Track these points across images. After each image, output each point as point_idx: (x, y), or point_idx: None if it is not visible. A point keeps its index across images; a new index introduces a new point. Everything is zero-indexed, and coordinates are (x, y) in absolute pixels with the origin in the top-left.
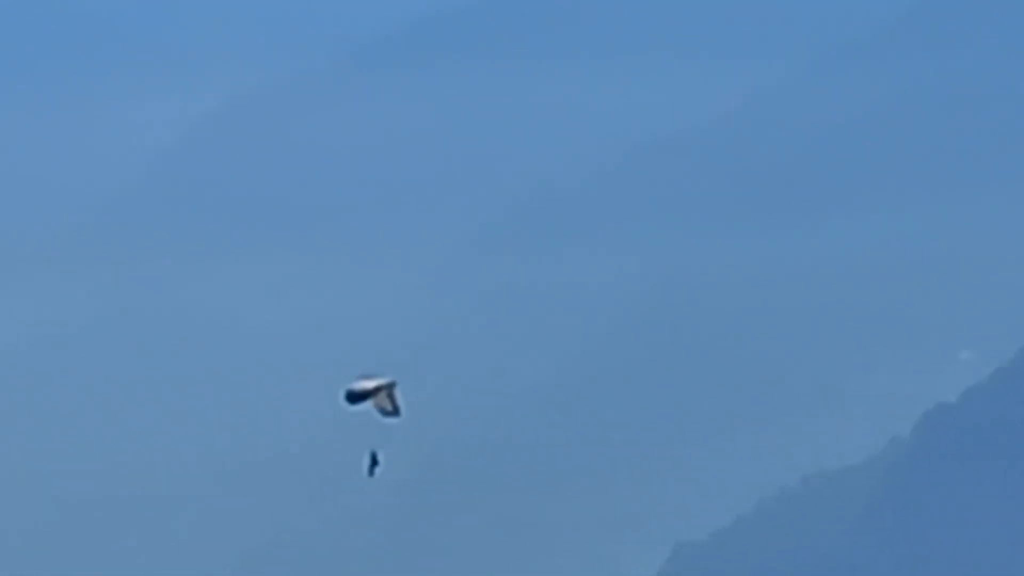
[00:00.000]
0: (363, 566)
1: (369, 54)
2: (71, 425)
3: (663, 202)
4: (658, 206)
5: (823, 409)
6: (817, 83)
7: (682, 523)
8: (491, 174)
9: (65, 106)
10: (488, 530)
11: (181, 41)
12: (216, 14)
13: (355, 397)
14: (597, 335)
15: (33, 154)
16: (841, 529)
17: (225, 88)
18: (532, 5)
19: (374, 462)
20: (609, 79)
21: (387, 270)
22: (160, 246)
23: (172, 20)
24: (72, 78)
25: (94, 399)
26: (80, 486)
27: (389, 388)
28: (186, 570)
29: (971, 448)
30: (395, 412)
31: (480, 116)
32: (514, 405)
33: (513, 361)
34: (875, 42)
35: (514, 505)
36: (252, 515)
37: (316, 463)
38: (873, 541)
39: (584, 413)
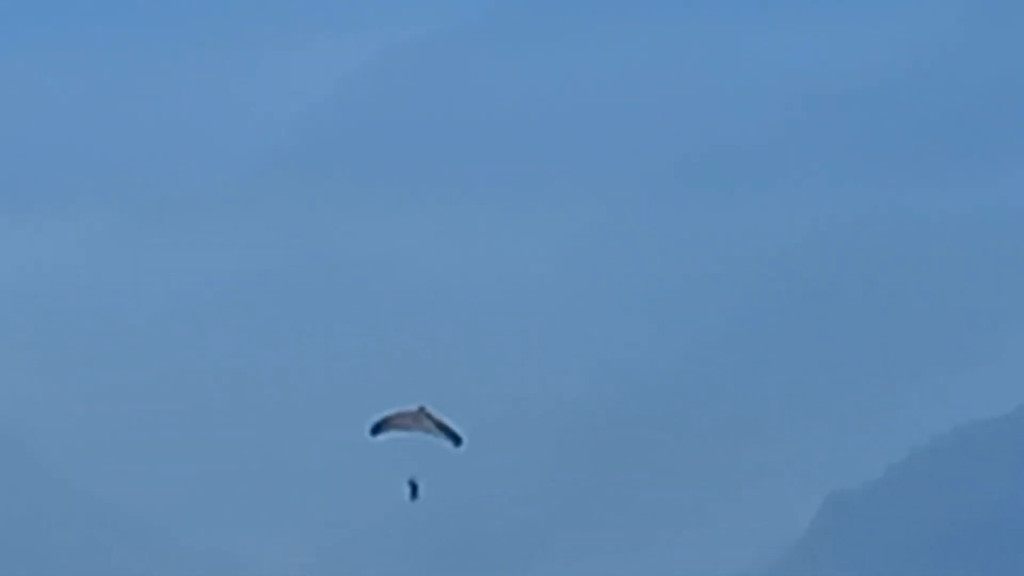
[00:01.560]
0: (534, 514)
1: (535, 3)
2: (230, 372)
3: (840, 154)
4: (835, 158)
5: (977, 360)
6: (989, 32)
7: (836, 472)
8: (671, 125)
9: (220, 54)
10: (645, 479)
11: None
12: None
13: (377, 428)
14: (770, 285)
15: (188, 103)
16: (993, 478)
17: (380, 41)
18: None
19: (414, 490)
20: (791, 30)
21: (555, 225)
22: (317, 197)
23: None
24: (227, 23)
25: (254, 346)
26: (234, 432)
27: (418, 415)
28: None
29: None
30: (452, 436)
31: (658, 68)
32: (680, 354)
33: (680, 311)
34: None
35: (672, 454)
36: (414, 462)
37: (483, 410)
38: (1023, 490)
39: (746, 363)
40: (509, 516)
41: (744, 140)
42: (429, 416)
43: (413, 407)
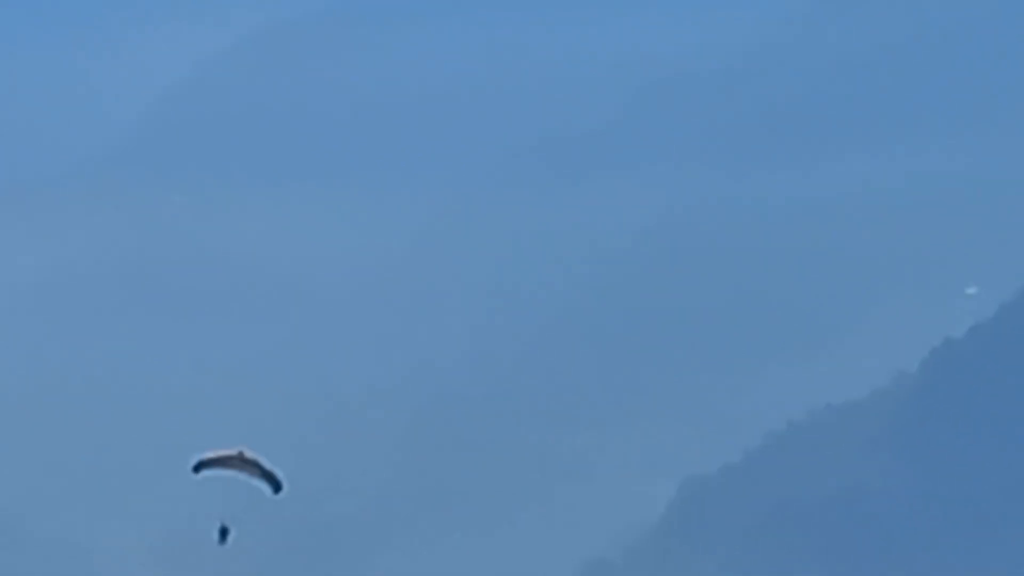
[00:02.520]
0: (382, 502)
1: None
2: (81, 361)
3: (675, 140)
4: (670, 144)
5: (831, 343)
6: (831, 17)
7: (691, 457)
8: (508, 115)
9: (73, 33)
10: (500, 464)
11: None
12: None
13: (199, 467)
14: (612, 271)
15: (37, 85)
16: (847, 462)
17: (236, 25)
18: None
19: (224, 534)
20: (632, 15)
21: (406, 209)
22: (170, 183)
23: None
24: (81, 2)
25: (103, 335)
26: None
27: (239, 458)
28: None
29: (977, 383)
30: (273, 481)
31: (495, 58)
32: (529, 339)
33: (529, 296)
34: None
35: (525, 440)
36: (263, 448)
37: (328, 398)
38: (878, 474)
39: (595, 348)
40: (352, 506)
41: (585, 126)
42: (249, 460)
43: (233, 450)
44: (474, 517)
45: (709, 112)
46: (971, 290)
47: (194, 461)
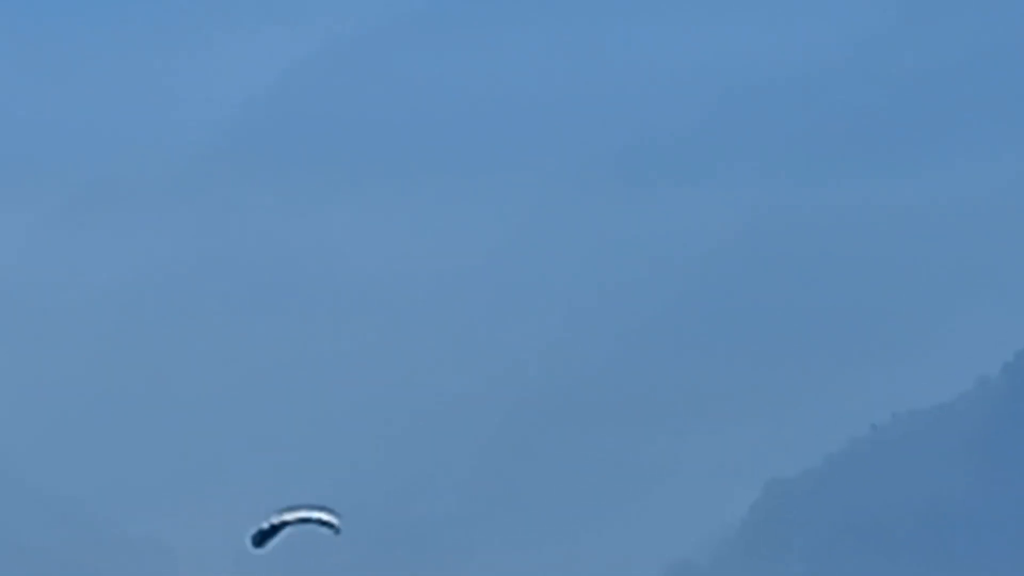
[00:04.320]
0: (468, 505)
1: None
2: (167, 361)
3: (759, 147)
4: (754, 151)
5: (915, 349)
6: (919, 22)
7: (775, 460)
8: (591, 122)
9: (165, 38)
10: (585, 467)
11: None
12: None
13: (264, 537)
14: (695, 277)
15: (130, 87)
16: (931, 467)
17: (325, 31)
18: None
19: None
20: (710, 24)
21: (487, 216)
22: (258, 185)
23: None
24: (173, 7)
25: (189, 335)
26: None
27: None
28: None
29: None
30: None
31: (578, 65)
32: (613, 344)
33: (612, 302)
34: None
35: (609, 443)
36: (348, 451)
37: (413, 401)
38: (962, 479)
39: (679, 353)
40: (438, 509)
41: (668, 133)
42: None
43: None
44: (559, 520)
45: (793, 119)
46: None
47: (254, 539)
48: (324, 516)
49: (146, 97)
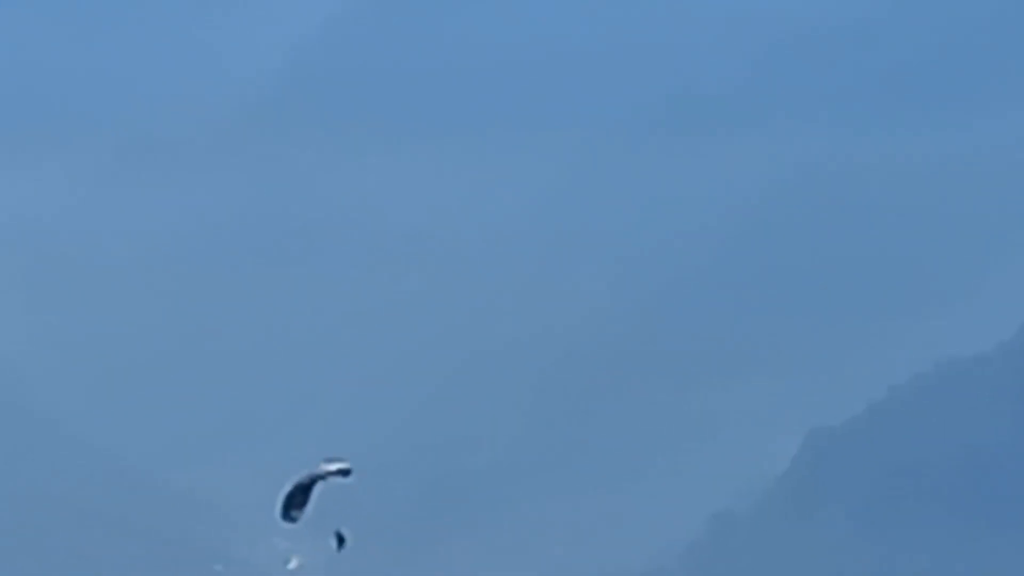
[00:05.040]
0: (513, 456)
1: None
2: (210, 317)
3: (806, 97)
4: (800, 101)
5: (957, 299)
6: None
7: (816, 411)
8: (649, 69)
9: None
10: (627, 420)
11: None
12: None
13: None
14: (739, 228)
15: (172, 41)
16: (972, 416)
17: None
18: None
19: (341, 541)
20: None
21: (531, 167)
22: (302, 138)
23: None
24: None
25: (232, 290)
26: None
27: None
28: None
29: None
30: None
31: (623, 14)
32: (656, 296)
33: (656, 253)
34: None
35: (652, 395)
36: (392, 404)
37: (459, 354)
38: (1003, 427)
39: (722, 304)
40: (483, 460)
41: (715, 83)
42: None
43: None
44: (602, 472)
45: (840, 68)
46: None
47: (283, 515)
48: (333, 467)
49: (189, 50)
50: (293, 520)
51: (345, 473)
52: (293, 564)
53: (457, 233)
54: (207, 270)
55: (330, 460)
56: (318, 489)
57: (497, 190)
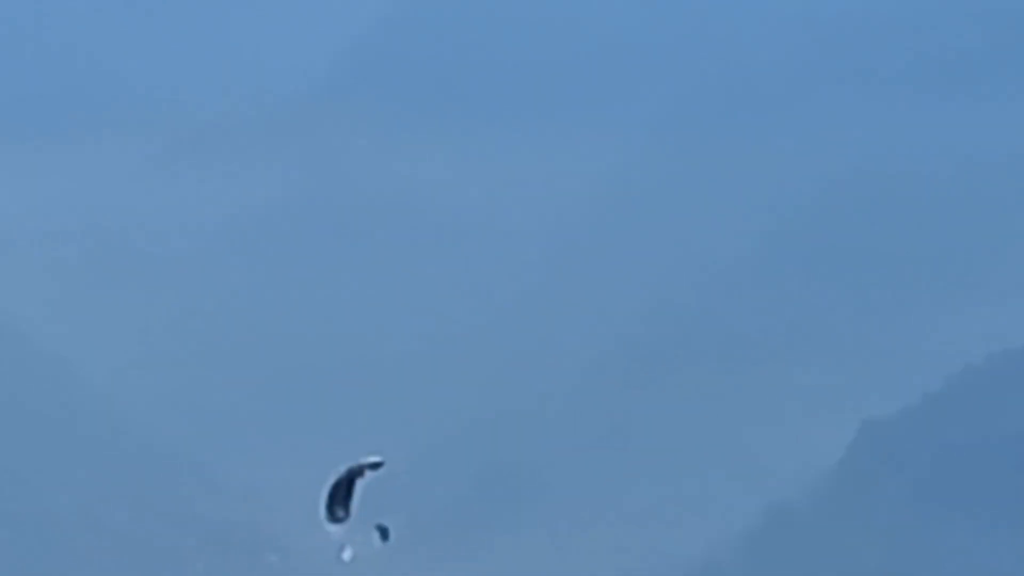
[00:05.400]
0: (562, 445)
1: None
2: (262, 305)
3: (853, 79)
4: (848, 83)
5: (1011, 288)
6: None
7: (870, 399)
8: (680, 52)
9: None
10: (679, 409)
11: None
12: None
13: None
14: (796, 213)
15: (225, 29)
16: None
17: None
18: None
19: (384, 533)
20: None
21: (583, 151)
22: (354, 127)
23: None
24: None
25: (286, 278)
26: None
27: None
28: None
29: None
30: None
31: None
32: (710, 282)
33: (711, 239)
34: None
35: (704, 384)
36: (443, 390)
37: (510, 342)
38: None
39: (775, 291)
40: (534, 445)
41: (770, 68)
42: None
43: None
44: (654, 462)
45: (903, 47)
46: None
47: (325, 514)
48: (367, 460)
49: (241, 39)
50: (340, 520)
51: (377, 466)
52: (347, 555)
53: (509, 219)
54: (257, 258)
55: (365, 455)
56: (360, 484)
57: (547, 178)
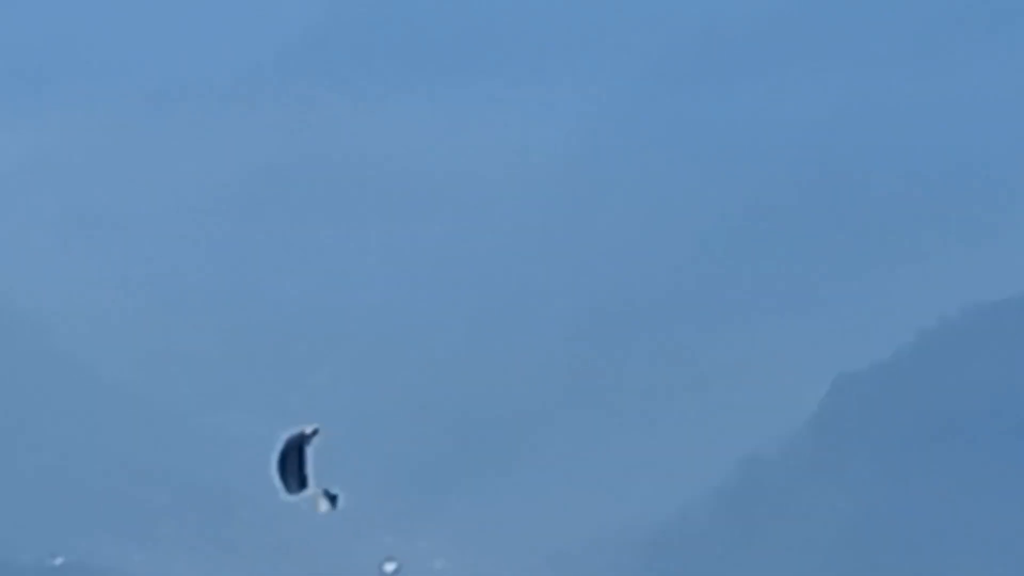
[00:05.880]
0: (538, 400)
1: None
2: (242, 267)
3: (837, 37)
4: (832, 41)
5: (983, 241)
6: None
7: (843, 355)
8: (662, 9)
9: None
10: (653, 363)
11: None
12: None
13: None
14: (774, 167)
15: None
16: (999, 361)
17: None
18: None
19: (333, 501)
20: None
21: (561, 109)
22: (328, 84)
23: None
24: None
25: (269, 240)
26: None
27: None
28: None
29: None
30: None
31: None
32: (687, 238)
33: (690, 194)
34: None
35: (678, 338)
36: (421, 348)
37: (488, 298)
38: None
39: (750, 246)
40: (511, 401)
41: (751, 21)
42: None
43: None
44: (629, 415)
45: (874, 9)
46: None
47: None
48: (308, 430)
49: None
50: (298, 490)
51: (313, 434)
52: (324, 508)
53: (484, 178)
54: (235, 217)
55: (346, 410)
56: (311, 450)
57: (528, 132)
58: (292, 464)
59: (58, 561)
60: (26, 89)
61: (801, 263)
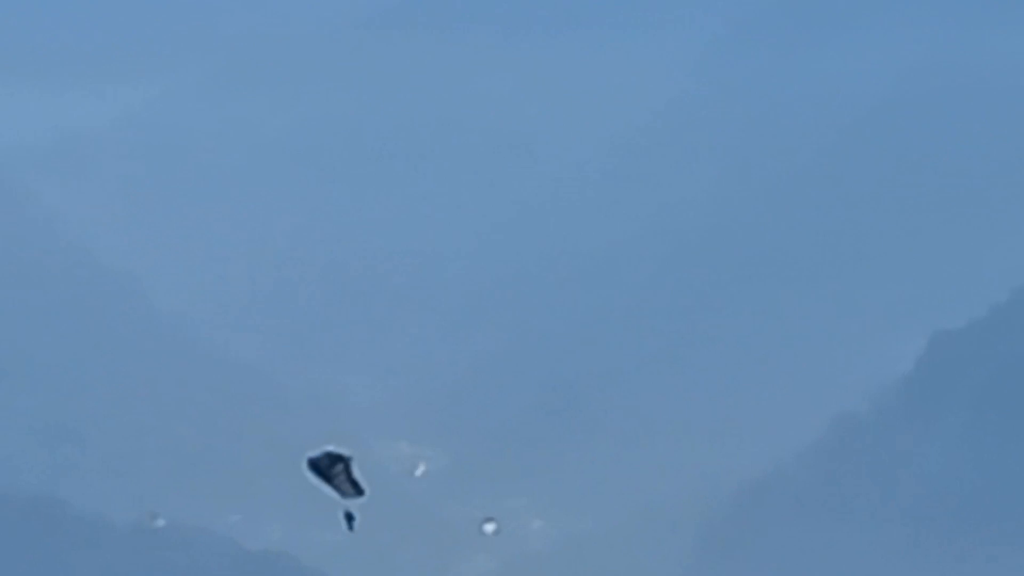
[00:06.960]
0: (625, 353)
1: None
2: (329, 220)
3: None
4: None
5: None
6: None
7: (939, 312)
8: None
9: None
10: (747, 319)
11: None
12: None
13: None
14: (862, 123)
15: None
16: None
17: None
18: None
19: (350, 519)
20: None
21: (643, 72)
22: (422, 45)
23: None
24: None
25: (353, 193)
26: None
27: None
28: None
29: None
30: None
31: None
32: (778, 194)
33: (773, 156)
34: None
35: (773, 294)
36: (504, 308)
37: (572, 252)
38: None
39: (844, 203)
40: (602, 356)
41: None
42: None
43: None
44: (722, 373)
45: None
46: None
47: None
48: (334, 451)
49: None
50: (356, 495)
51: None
52: (420, 471)
53: (565, 138)
54: (320, 172)
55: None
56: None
57: (614, 89)
58: (341, 478)
59: (160, 523)
60: (119, 56)
61: (898, 221)
